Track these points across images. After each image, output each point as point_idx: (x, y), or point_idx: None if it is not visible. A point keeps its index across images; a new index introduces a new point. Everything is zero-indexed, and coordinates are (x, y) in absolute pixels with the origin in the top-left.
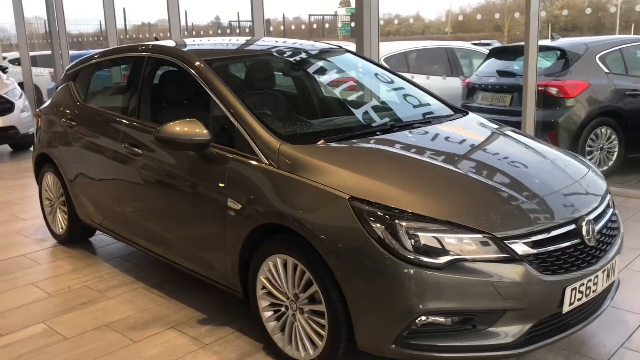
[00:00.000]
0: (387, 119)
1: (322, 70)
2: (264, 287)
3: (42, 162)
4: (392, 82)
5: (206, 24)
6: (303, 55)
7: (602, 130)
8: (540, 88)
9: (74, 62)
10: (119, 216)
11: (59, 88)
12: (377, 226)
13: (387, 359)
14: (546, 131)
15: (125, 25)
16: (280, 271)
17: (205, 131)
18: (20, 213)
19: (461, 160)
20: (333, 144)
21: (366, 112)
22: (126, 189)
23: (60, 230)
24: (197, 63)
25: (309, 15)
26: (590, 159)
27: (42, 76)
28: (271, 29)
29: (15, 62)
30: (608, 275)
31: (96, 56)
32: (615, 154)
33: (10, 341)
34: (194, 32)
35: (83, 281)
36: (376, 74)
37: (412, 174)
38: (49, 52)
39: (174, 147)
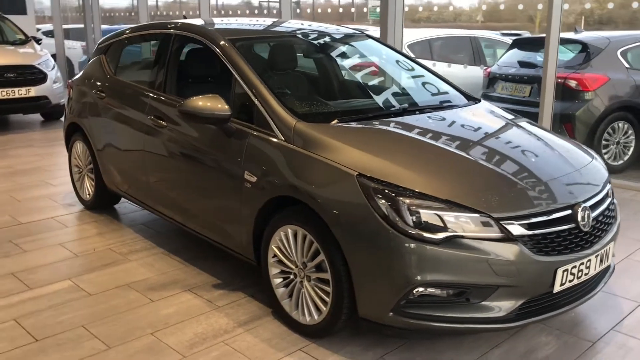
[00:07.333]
0: (401, 104)
1: (343, 54)
2: (275, 256)
3: (72, 131)
4: (410, 69)
5: (237, 4)
6: (326, 38)
7: (619, 124)
8: (559, 80)
9: (106, 37)
10: (143, 185)
11: (91, 61)
12: (382, 202)
13: (384, 330)
14: (563, 123)
15: (156, 1)
16: (290, 241)
17: (226, 107)
18: (50, 179)
19: (467, 144)
20: (346, 124)
21: (382, 96)
22: (151, 160)
23: (88, 196)
24: (222, 42)
25: None
26: (605, 153)
27: (74, 49)
28: (298, 10)
29: (49, 34)
30: (601, 260)
31: (127, 31)
32: (632, 148)
33: (38, 294)
34: (222, 12)
35: (107, 244)
36: (396, 60)
37: (418, 155)
38: (82, 25)
39: (196, 121)
